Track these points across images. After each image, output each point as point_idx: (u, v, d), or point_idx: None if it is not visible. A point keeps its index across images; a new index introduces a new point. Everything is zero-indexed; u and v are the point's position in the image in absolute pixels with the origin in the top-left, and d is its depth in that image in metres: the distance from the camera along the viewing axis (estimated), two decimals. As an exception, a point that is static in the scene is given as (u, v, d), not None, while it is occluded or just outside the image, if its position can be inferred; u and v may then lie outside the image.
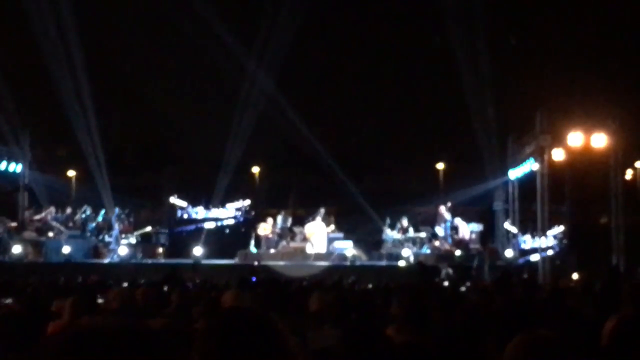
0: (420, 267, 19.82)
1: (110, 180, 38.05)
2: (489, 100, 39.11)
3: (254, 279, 21.04)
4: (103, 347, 1.88)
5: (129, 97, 48.28)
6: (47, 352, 1.89)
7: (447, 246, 34.79)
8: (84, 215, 37.30)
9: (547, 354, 3.22)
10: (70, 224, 36.51)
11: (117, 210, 36.42)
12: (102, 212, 37.38)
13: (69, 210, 37.23)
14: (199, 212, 42.06)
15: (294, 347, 2.71)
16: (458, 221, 35.69)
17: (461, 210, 37.70)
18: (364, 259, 35.98)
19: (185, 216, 41.93)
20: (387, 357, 3.88)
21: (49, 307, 10.86)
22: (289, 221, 37.01)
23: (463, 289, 18.56)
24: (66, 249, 34.00)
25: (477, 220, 37.27)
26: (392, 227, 36.14)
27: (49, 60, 37.22)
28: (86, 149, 37.87)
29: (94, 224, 37.08)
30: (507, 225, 37.43)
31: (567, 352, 3.28)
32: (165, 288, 15.44)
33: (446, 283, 24.71)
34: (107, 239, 36.34)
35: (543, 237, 31.90)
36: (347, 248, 35.03)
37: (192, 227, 40.90)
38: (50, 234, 35.58)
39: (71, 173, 47.56)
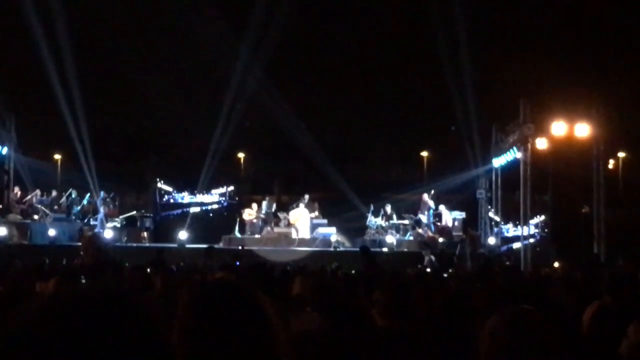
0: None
1: (96, 165, 38.01)
2: (473, 89, 39.20)
3: (237, 263, 21.06)
4: (84, 313, 1.87)
5: (116, 83, 48.24)
6: (26, 318, 1.88)
7: (430, 233, 34.87)
8: (69, 199, 37.19)
9: (528, 328, 3.28)
10: (56, 207, 36.41)
11: (102, 194, 36.33)
12: (88, 195, 37.29)
13: (54, 194, 37.13)
14: (184, 197, 42.09)
15: (277, 323, 2.75)
16: (442, 208, 35.78)
17: (444, 198, 37.82)
18: (347, 245, 36.04)
19: (172, 201, 41.96)
20: (370, 341, 3.95)
21: (33, 289, 10.92)
22: (274, 207, 37.03)
23: (445, 275, 18.63)
24: (51, 232, 33.94)
25: (460, 208, 37.39)
26: (376, 214, 36.19)
27: (35, 45, 37.11)
28: (72, 133, 37.78)
29: (79, 208, 36.97)
30: (491, 214, 37.54)
31: (548, 326, 3.33)
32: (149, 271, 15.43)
33: (429, 270, 24.81)
34: (92, 222, 36.25)
35: (525, 226, 31.99)
36: (331, 234, 35.08)
37: (178, 211, 40.91)
38: (36, 217, 35.51)
39: (57, 156, 47.49)
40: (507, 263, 26.97)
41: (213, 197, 43.18)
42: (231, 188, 43.91)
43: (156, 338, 1.94)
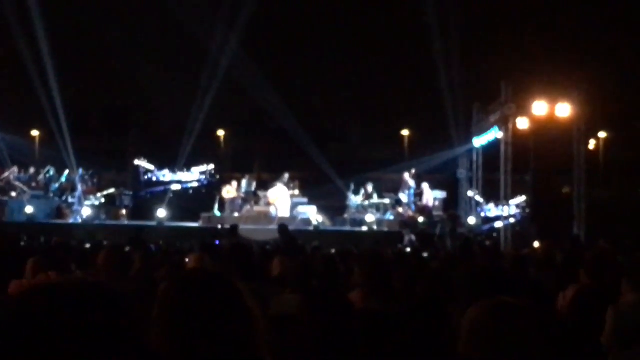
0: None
1: (74, 142, 37.81)
2: (454, 68, 39.18)
3: (217, 242, 21.02)
4: (61, 305, 1.87)
5: (93, 59, 47.96)
6: (5, 311, 1.89)
7: (410, 213, 34.91)
8: (47, 176, 37.00)
9: (508, 319, 3.25)
10: (33, 184, 36.19)
11: (80, 171, 36.17)
12: (66, 172, 37.11)
13: (32, 170, 36.94)
14: (165, 175, 42.00)
15: (255, 310, 2.72)
16: (424, 187, 35.77)
17: (425, 178, 37.85)
18: (327, 224, 36.05)
19: (154, 179, 41.87)
20: (349, 324, 3.90)
21: (10, 267, 10.80)
22: (254, 185, 36.98)
23: (425, 254, 18.63)
24: (29, 209, 33.74)
25: (441, 188, 37.45)
26: (356, 193, 36.21)
27: (11, 21, 36.78)
28: (50, 109, 37.57)
29: (57, 185, 36.81)
30: (472, 194, 37.61)
31: (528, 318, 3.30)
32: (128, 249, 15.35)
33: (409, 249, 24.83)
34: (70, 199, 36.10)
35: (506, 206, 32.07)
36: (311, 213, 35.08)
37: (160, 189, 40.81)
38: (13, 194, 35.27)
39: (35, 133, 47.27)
40: (487, 243, 26.98)
41: (194, 175, 43.11)
42: (212, 166, 43.83)
43: (130, 328, 1.93)
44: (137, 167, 42.18)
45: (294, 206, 35.49)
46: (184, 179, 42.06)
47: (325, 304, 4.01)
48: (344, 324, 3.91)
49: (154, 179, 41.95)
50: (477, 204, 37.15)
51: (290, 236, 18.85)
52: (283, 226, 20.36)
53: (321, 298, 4.14)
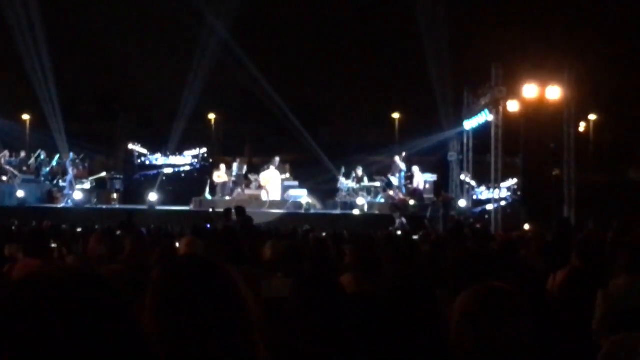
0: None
1: (65, 126, 37.76)
2: (445, 51, 39.15)
3: (208, 226, 21.03)
4: (52, 295, 1.87)
5: (85, 44, 47.80)
6: None
7: (401, 196, 34.92)
8: (38, 160, 36.95)
9: (499, 305, 3.26)
10: (25, 168, 36.13)
11: (71, 155, 36.06)
12: (57, 157, 37.07)
13: (23, 155, 36.87)
14: (158, 159, 42.03)
15: (247, 297, 2.73)
16: (415, 170, 35.79)
17: (416, 161, 37.88)
18: (318, 207, 36.07)
19: (147, 163, 41.92)
20: (340, 307, 3.92)
21: (2, 252, 10.83)
22: (245, 169, 36.97)
23: (416, 237, 18.66)
24: (20, 193, 33.69)
25: (432, 171, 37.49)
26: (347, 176, 36.21)
27: (4, 5, 36.65)
28: (41, 93, 37.48)
29: (48, 169, 36.78)
30: (463, 177, 37.67)
31: (518, 303, 3.32)
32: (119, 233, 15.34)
33: (399, 232, 24.88)
34: (61, 183, 36.06)
35: (497, 189, 32.12)
36: (302, 196, 35.10)
37: (153, 172, 40.83)
38: (4, 178, 35.22)
39: (26, 117, 47.14)
40: (477, 226, 27.04)
41: (185, 159, 43.18)
42: (204, 150, 43.87)
43: (122, 316, 1.93)
44: (131, 151, 42.20)
45: (285, 189, 35.51)
46: (176, 163, 42.09)
47: (316, 287, 4.03)
48: (335, 307, 3.93)
49: (147, 162, 41.98)
50: (471, 187, 37.22)
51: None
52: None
53: (312, 281, 4.15)
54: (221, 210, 29.89)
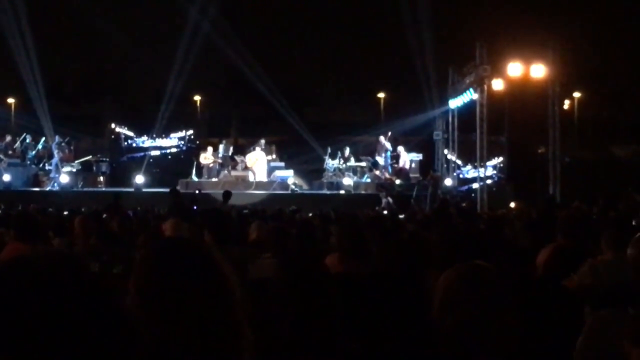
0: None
1: (51, 109, 37.63)
2: (430, 30, 39.13)
3: (195, 208, 21.02)
4: (33, 279, 1.89)
5: (69, 26, 47.55)
6: None
7: (387, 175, 34.98)
8: (24, 144, 36.80)
9: (481, 284, 3.27)
10: (10, 152, 35.94)
11: (57, 138, 35.90)
12: (42, 140, 36.91)
13: (8, 138, 36.67)
14: (144, 141, 41.97)
15: (232, 278, 2.75)
16: (400, 150, 35.86)
17: (401, 140, 37.92)
18: (305, 188, 36.10)
19: (134, 145, 41.86)
20: (324, 287, 3.94)
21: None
22: (231, 150, 36.95)
23: (402, 217, 18.71)
24: (6, 177, 33.59)
25: (417, 150, 37.54)
26: (333, 156, 36.20)
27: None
28: (26, 77, 37.33)
29: (34, 152, 36.62)
30: (449, 156, 37.73)
31: (502, 283, 3.33)
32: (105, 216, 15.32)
33: (386, 212, 24.92)
34: (47, 167, 35.93)
35: (483, 168, 32.17)
36: (288, 177, 35.09)
37: (139, 154, 40.77)
38: (-11, 162, 35.12)
39: (10, 100, 46.95)
40: (463, 205, 27.11)
41: (172, 141, 43.12)
42: (190, 132, 43.80)
43: (105, 299, 1.95)
44: (118, 133, 42.11)
45: (271, 170, 35.49)
46: (162, 145, 42.02)
47: (300, 267, 4.05)
48: (320, 287, 3.95)
49: (134, 145, 41.91)
50: (455, 165, 37.29)
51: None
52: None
53: (296, 261, 4.17)
54: (208, 192, 30.04)
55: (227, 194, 22.62)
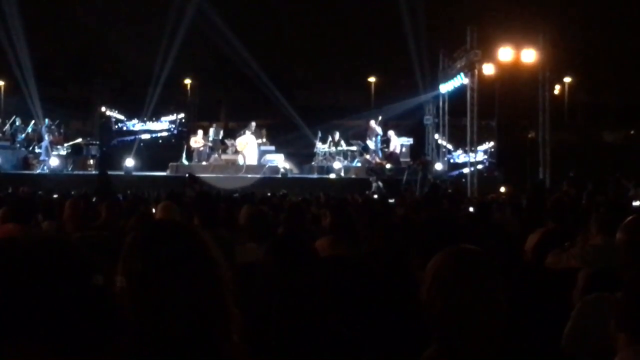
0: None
1: (40, 91, 37.48)
2: (421, 14, 39.07)
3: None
4: (21, 260, 1.91)
5: (57, 7, 47.32)
6: None
7: (377, 160, 34.99)
8: (13, 126, 36.67)
9: (470, 268, 3.27)
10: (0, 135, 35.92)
11: (47, 121, 35.80)
12: (32, 123, 36.79)
13: (-3, 121, 36.65)
14: (135, 125, 41.92)
15: (221, 261, 2.75)
16: (391, 134, 35.89)
17: (392, 124, 37.93)
18: (295, 172, 36.09)
19: (125, 129, 41.81)
20: (311, 270, 3.94)
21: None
22: (221, 134, 36.88)
23: (392, 201, 18.72)
24: (-5, 160, 33.55)
25: (408, 135, 37.54)
26: (324, 140, 36.19)
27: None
28: (15, 59, 37.17)
29: (23, 135, 36.47)
30: (440, 140, 37.76)
31: (491, 266, 3.33)
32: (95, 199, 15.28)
33: (376, 196, 24.94)
34: (37, 150, 35.81)
35: (473, 152, 32.21)
36: (279, 161, 35.08)
37: (130, 138, 40.72)
38: (-21, 146, 35.01)
39: (0, 83, 46.81)
40: (449, 191, 27.14)
41: (162, 125, 43.07)
42: (181, 115, 43.77)
43: (88, 282, 1.95)
44: (108, 117, 42.03)
45: (261, 154, 35.46)
46: (153, 129, 41.97)
47: (288, 250, 4.05)
48: (309, 271, 3.95)
49: (124, 128, 41.84)
50: (445, 150, 37.33)
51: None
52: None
53: (284, 244, 4.17)
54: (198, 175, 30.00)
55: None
